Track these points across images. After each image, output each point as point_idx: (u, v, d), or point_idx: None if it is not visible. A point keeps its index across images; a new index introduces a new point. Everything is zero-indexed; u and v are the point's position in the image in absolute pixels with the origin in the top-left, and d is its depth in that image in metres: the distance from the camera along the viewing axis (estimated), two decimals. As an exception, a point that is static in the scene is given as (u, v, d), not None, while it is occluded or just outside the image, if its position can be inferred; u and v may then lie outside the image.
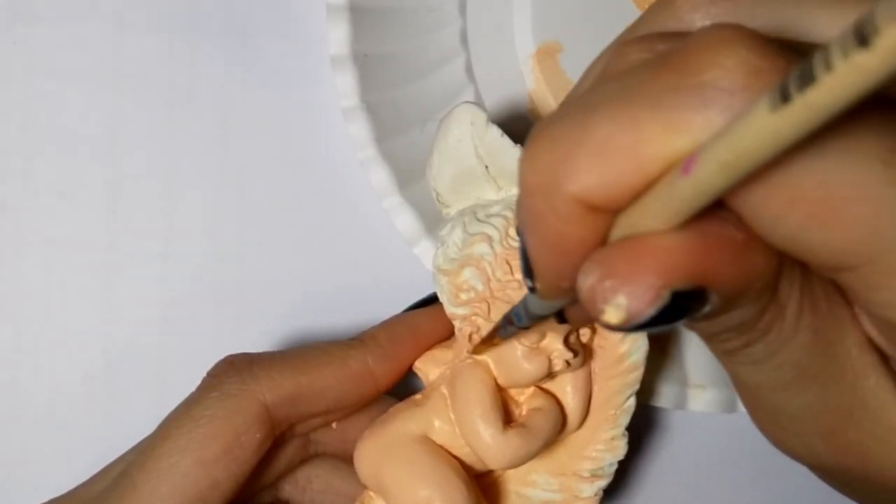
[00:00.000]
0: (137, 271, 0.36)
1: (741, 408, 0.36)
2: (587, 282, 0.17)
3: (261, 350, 0.30)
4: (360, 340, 0.30)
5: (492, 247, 0.27)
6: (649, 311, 0.16)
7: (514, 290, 0.27)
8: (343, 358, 0.29)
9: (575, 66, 0.36)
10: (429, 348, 0.30)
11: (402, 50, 0.34)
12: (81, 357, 0.36)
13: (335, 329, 0.37)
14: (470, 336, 0.28)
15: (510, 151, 0.27)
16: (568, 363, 0.27)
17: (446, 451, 0.29)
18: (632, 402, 0.29)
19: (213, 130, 0.36)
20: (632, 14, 0.36)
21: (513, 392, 0.29)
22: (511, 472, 0.30)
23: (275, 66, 0.36)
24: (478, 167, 0.28)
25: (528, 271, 0.19)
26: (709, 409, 0.36)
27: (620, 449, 0.29)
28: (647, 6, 0.37)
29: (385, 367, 0.30)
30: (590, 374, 0.29)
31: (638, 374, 0.28)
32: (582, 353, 0.28)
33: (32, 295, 0.36)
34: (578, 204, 0.16)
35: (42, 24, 0.35)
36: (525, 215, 0.18)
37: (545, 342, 0.27)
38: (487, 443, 0.27)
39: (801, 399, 0.19)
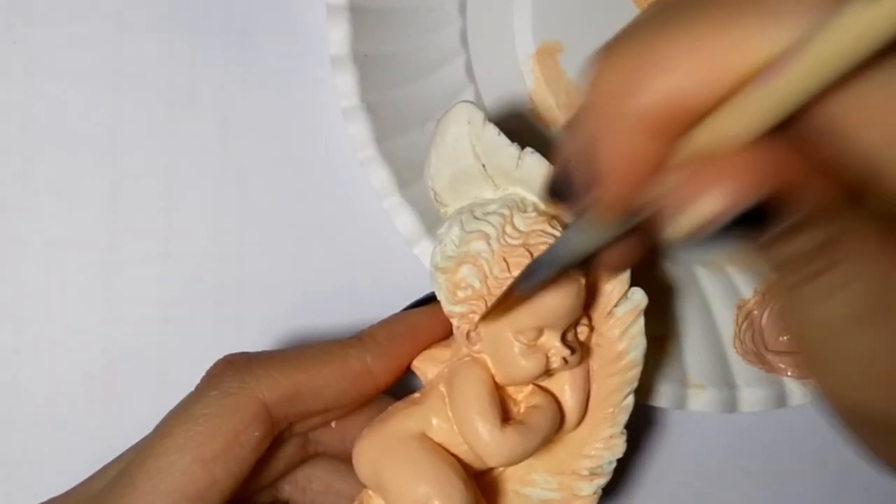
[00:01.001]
0: (137, 271, 0.36)
1: (741, 408, 0.36)
2: (671, 182, 0.17)
3: (260, 350, 0.30)
4: (358, 339, 0.30)
5: (489, 244, 0.27)
6: (733, 211, 0.16)
7: (507, 284, 0.27)
8: (342, 357, 0.29)
9: (575, 66, 0.36)
10: (427, 347, 0.30)
11: (402, 50, 0.34)
12: (81, 357, 0.36)
13: (335, 329, 0.37)
14: (468, 334, 0.28)
15: (507, 150, 0.27)
16: (566, 360, 0.27)
17: (445, 449, 0.29)
18: (630, 400, 0.29)
19: (213, 130, 0.36)
20: (632, 14, 0.36)
21: (511, 390, 0.29)
22: (510, 471, 0.30)
23: (275, 66, 0.36)
24: (475, 166, 0.28)
25: (577, 191, 0.19)
26: (709, 408, 0.36)
27: (619, 447, 0.29)
28: (646, 6, 0.37)
29: (384, 365, 0.29)
30: (588, 372, 0.29)
31: (636, 371, 0.29)
32: (580, 351, 0.28)
33: (32, 295, 0.36)
34: (657, 109, 0.16)
35: (42, 24, 0.35)
36: (594, 124, 0.18)
37: (542, 339, 0.27)
38: (485, 440, 0.27)
39: (864, 341, 0.19)
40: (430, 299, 0.31)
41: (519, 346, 0.27)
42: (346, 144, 0.35)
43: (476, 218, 0.28)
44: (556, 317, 0.27)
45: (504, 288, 0.27)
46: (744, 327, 0.37)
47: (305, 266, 0.36)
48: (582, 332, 0.29)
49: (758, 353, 0.37)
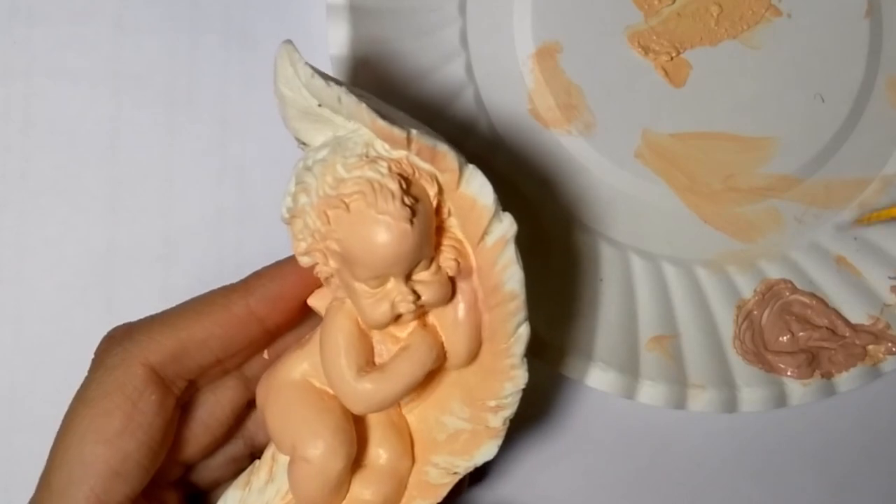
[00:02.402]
0: (137, 271, 0.36)
1: (741, 408, 0.36)
2: None
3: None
4: (243, 283, 0.29)
5: (310, 197, 0.26)
6: None
7: (330, 237, 0.26)
8: (224, 304, 0.29)
9: (574, 66, 0.36)
10: (319, 284, 0.29)
11: (402, 50, 0.34)
12: (82, 357, 0.36)
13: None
14: (327, 279, 0.28)
15: (326, 91, 0.26)
16: (416, 304, 0.27)
17: (326, 392, 0.28)
18: (522, 330, 0.28)
19: (213, 130, 0.36)
20: (632, 14, 0.36)
21: (392, 328, 0.28)
22: (434, 397, 0.30)
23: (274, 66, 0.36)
24: (311, 105, 0.27)
25: None
26: (709, 409, 0.36)
27: (520, 378, 0.28)
28: (646, 6, 0.37)
29: (269, 307, 0.29)
30: (475, 302, 0.28)
31: (518, 302, 0.27)
32: (444, 289, 0.27)
33: (32, 295, 0.36)
34: None
35: (42, 24, 0.35)
36: None
37: (388, 286, 0.27)
38: (341, 389, 0.27)
39: None
40: None
41: (367, 294, 0.27)
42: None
43: (305, 168, 0.27)
44: (387, 264, 0.26)
45: (325, 242, 0.26)
46: (744, 327, 0.37)
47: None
48: (450, 266, 0.27)
49: (758, 353, 0.37)
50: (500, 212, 0.27)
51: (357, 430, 0.29)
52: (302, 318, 0.30)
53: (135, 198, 0.36)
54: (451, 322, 0.28)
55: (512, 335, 0.28)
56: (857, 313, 0.37)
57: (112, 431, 0.27)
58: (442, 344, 0.28)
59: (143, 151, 0.36)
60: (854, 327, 0.37)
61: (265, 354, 0.31)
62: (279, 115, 0.28)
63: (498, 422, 0.28)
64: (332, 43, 0.33)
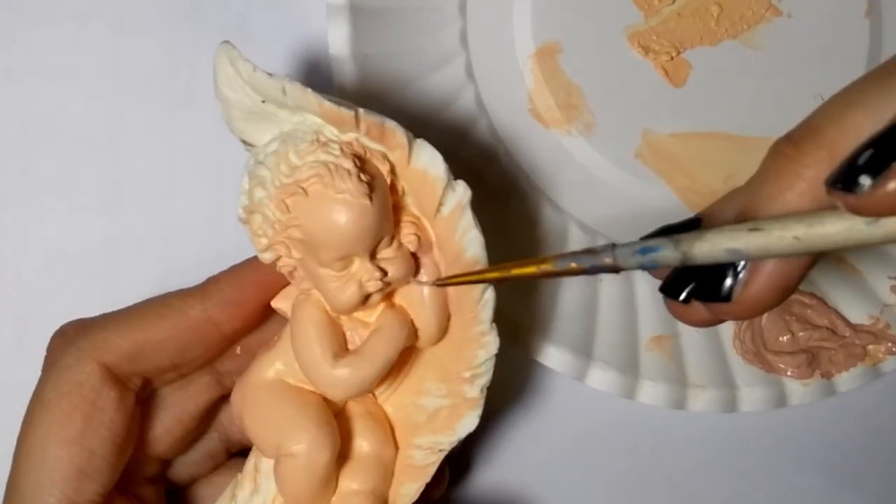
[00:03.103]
0: (137, 270, 0.36)
1: (741, 408, 0.36)
2: None
3: None
4: (200, 288, 0.29)
5: (266, 188, 0.26)
6: None
7: (292, 225, 0.26)
8: (181, 308, 0.29)
9: (574, 66, 0.36)
10: (279, 289, 0.29)
11: (402, 50, 0.34)
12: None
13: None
14: (291, 274, 0.27)
15: (269, 83, 0.26)
16: (383, 281, 0.27)
17: (303, 388, 0.28)
18: (489, 295, 0.27)
19: (213, 130, 0.36)
20: (632, 14, 0.36)
21: (361, 315, 0.28)
22: (406, 384, 0.30)
23: (275, 66, 0.36)
24: (254, 105, 0.27)
25: (869, 168, 0.19)
26: (709, 409, 0.36)
27: (492, 344, 0.28)
28: (646, 6, 0.37)
29: (227, 312, 0.29)
30: (437, 275, 0.28)
31: (480, 267, 0.27)
32: (408, 263, 0.27)
33: (32, 295, 0.36)
34: None
35: (42, 24, 0.35)
36: None
37: (353, 268, 0.27)
38: (320, 375, 0.27)
39: None
40: None
41: (332, 279, 0.27)
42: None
43: (257, 163, 0.27)
44: (351, 242, 0.26)
45: (287, 231, 0.26)
46: (743, 327, 0.37)
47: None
48: (410, 240, 0.27)
49: (758, 353, 0.37)
50: (453, 181, 0.27)
51: (337, 424, 0.29)
52: (260, 322, 0.30)
53: (135, 197, 0.36)
54: (418, 298, 0.28)
55: (478, 301, 0.28)
56: (857, 313, 0.37)
57: (74, 432, 0.27)
58: (412, 321, 0.28)
59: (143, 151, 0.36)
60: (854, 327, 0.37)
61: (237, 350, 0.31)
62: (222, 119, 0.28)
63: (475, 391, 0.28)
64: (333, 43, 0.33)
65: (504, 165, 0.36)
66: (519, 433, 0.39)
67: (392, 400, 0.30)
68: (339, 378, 0.27)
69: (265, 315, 0.30)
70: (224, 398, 0.31)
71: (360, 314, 0.28)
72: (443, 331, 0.28)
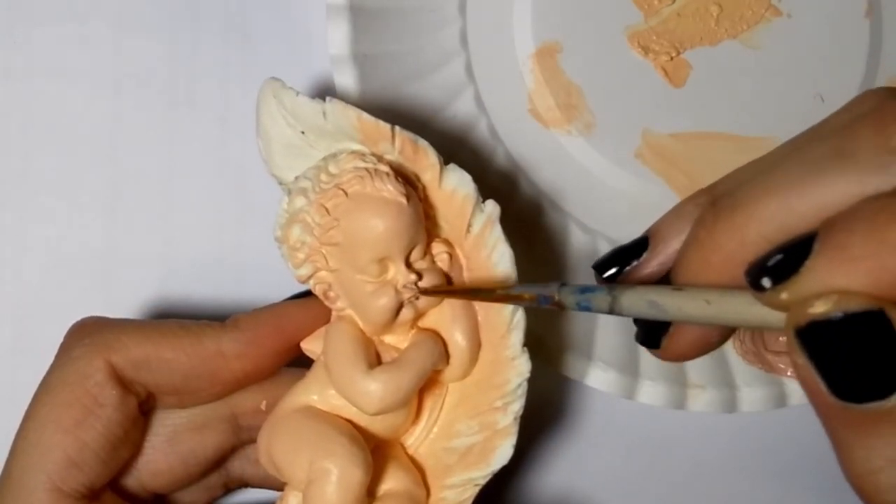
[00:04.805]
0: (137, 271, 0.36)
1: (741, 408, 0.36)
2: None
3: None
4: (221, 322, 0.29)
5: (307, 196, 0.27)
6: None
7: (332, 228, 0.27)
8: (197, 335, 0.29)
9: (574, 66, 0.36)
10: (297, 338, 0.30)
11: (402, 50, 0.34)
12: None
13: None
14: (325, 293, 0.28)
15: (310, 106, 0.27)
16: (417, 286, 0.27)
17: (335, 415, 0.28)
18: (520, 317, 0.28)
19: (213, 130, 0.36)
20: (632, 14, 0.36)
21: (392, 341, 0.29)
22: (437, 431, 0.29)
23: (275, 66, 0.36)
24: (295, 136, 0.28)
25: (773, 273, 0.21)
26: (709, 409, 0.36)
27: (523, 366, 0.28)
28: (646, 6, 0.37)
29: (239, 350, 0.29)
30: (471, 302, 0.28)
31: (512, 283, 0.27)
32: (440, 278, 0.28)
33: (32, 295, 0.36)
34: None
35: (42, 24, 0.35)
36: (851, 243, 0.20)
37: (389, 274, 0.27)
38: (355, 387, 0.27)
39: None
40: (308, 293, 0.30)
41: (368, 286, 0.27)
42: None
43: (298, 178, 0.28)
44: (388, 239, 0.27)
45: (327, 234, 0.27)
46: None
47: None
48: (442, 259, 0.28)
49: (758, 353, 0.36)
50: (481, 201, 0.28)
51: None
52: (272, 368, 0.30)
53: (135, 198, 0.36)
54: (450, 320, 0.28)
55: (509, 324, 0.28)
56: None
57: (70, 421, 0.27)
58: (444, 343, 0.28)
59: (143, 151, 0.36)
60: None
61: (262, 406, 0.31)
62: (261, 161, 0.29)
63: (508, 419, 0.28)
64: (332, 43, 0.33)
65: (504, 165, 0.36)
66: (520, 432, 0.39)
67: (422, 450, 0.30)
68: (373, 388, 0.27)
69: (278, 362, 0.30)
70: (235, 449, 0.31)
71: (391, 339, 0.29)
72: (473, 357, 0.29)
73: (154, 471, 0.30)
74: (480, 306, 0.28)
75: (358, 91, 0.33)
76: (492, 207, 0.28)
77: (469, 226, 0.28)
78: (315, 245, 0.27)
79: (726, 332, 0.26)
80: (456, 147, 0.35)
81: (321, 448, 0.27)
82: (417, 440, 0.30)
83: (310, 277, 0.28)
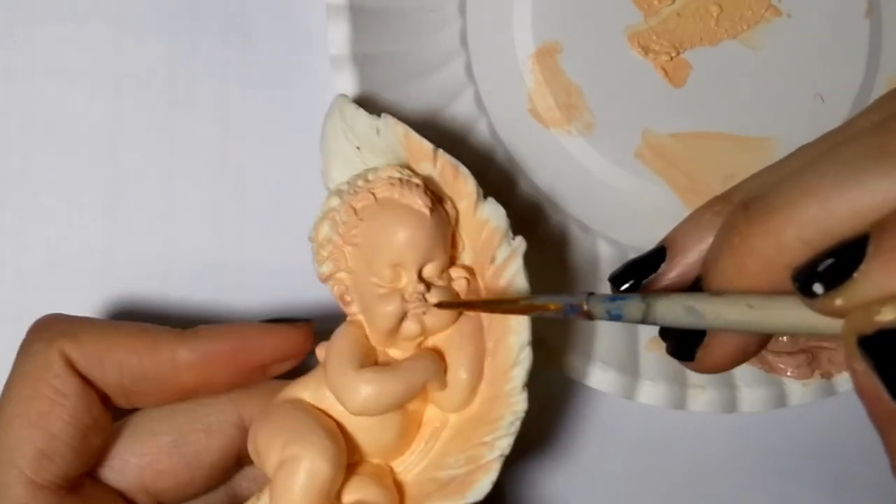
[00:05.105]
0: (137, 271, 0.36)
1: (741, 408, 0.36)
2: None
3: None
4: (181, 330, 0.29)
5: (341, 197, 0.28)
6: None
7: (356, 227, 0.28)
8: (154, 339, 0.29)
9: (574, 66, 0.36)
10: (254, 360, 0.30)
11: (402, 50, 0.34)
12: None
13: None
14: (342, 296, 0.28)
15: (365, 120, 0.28)
16: (425, 297, 0.27)
17: (321, 412, 0.28)
18: (526, 354, 0.28)
19: (213, 130, 0.36)
20: (631, 14, 0.36)
21: (396, 354, 0.29)
22: (428, 461, 0.29)
23: (275, 66, 0.36)
24: (351, 151, 0.29)
25: (825, 278, 0.20)
26: (709, 409, 0.36)
27: (519, 405, 0.28)
28: (646, 6, 0.37)
29: (192, 361, 0.29)
30: (480, 329, 0.29)
31: (522, 318, 0.28)
32: (446, 292, 0.28)
33: (32, 295, 0.36)
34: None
35: (42, 24, 0.35)
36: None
37: (401, 282, 0.28)
38: (342, 381, 0.27)
39: None
40: (282, 320, 0.30)
41: (378, 289, 0.28)
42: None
43: (341, 183, 0.29)
44: (400, 247, 0.27)
45: (350, 233, 0.28)
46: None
47: (305, 268, 0.36)
48: (461, 283, 0.28)
49: (758, 354, 0.37)
50: (511, 235, 0.28)
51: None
52: (222, 388, 0.30)
53: (135, 198, 0.36)
54: (456, 346, 0.29)
55: (515, 356, 0.28)
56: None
57: (35, 414, 0.27)
58: (445, 366, 0.29)
59: (143, 151, 0.36)
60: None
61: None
62: (320, 172, 0.30)
63: (493, 455, 0.28)
64: (332, 43, 0.33)
65: (504, 165, 0.36)
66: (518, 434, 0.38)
67: (409, 477, 0.30)
68: (360, 384, 0.27)
69: (232, 381, 0.30)
70: (241, 459, 0.31)
71: (395, 353, 0.29)
72: (472, 389, 0.29)
73: (158, 471, 0.30)
74: (490, 337, 0.28)
75: (358, 91, 0.33)
76: (519, 243, 0.28)
77: (493, 258, 0.28)
78: (339, 243, 0.28)
79: (763, 340, 0.25)
80: (456, 147, 0.35)
81: (296, 435, 0.27)
82: (408, 468, 0.30)
83: (330, 277, 0.28)
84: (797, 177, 0.22)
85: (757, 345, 0.25)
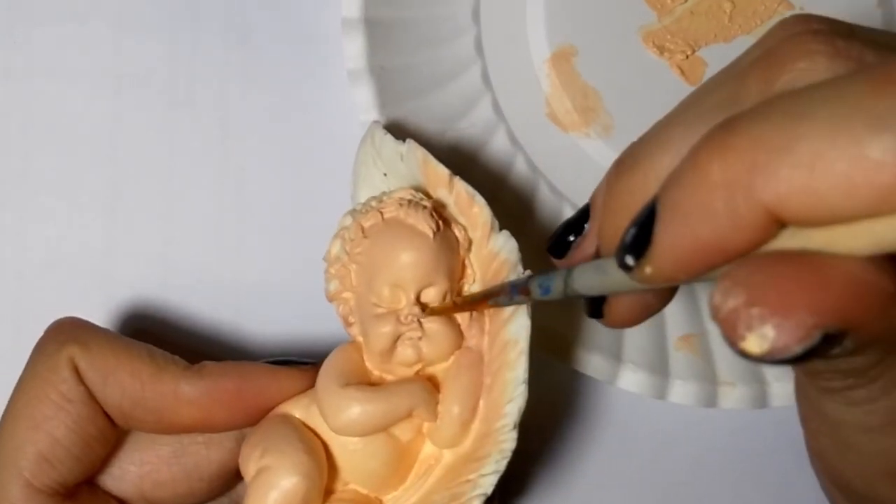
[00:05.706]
0: (137, 271, 0.36)
1: (772, 403, 0.36)
2: (729, 303, 0.16)
3: (267, 348, 0.31)
4: (187, 364, 0.29)
5: (353, 216, 0.29)
6: (796, 350, 0.15)
7: (360, 245, 0.28)
8: (160, 368, 0.28)
9: (590, 69, 0.36)
10: (257, 401, 0.29)
11: (418, 61, 0.34)
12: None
13: (336, 330, 0.36)
14: (346, 317, 0.29)
15: (391, 145, 0.29)
16: (420, 322, 0.27)
17: (308, 429, 0.28)
18: (521, 390, 0.27)
19: (213, 131, 0.36)
20: (645, 14, 0.36)
21: (390, 379, 0.29)
22: (418, 496, 0.29)
23: (275, 66, 0.36)
24: (378, 177, 0.30)
25: (633, 248, 0.18)
26: (740, 405, 0.36)
27: (507, 444, 0.27)
28: (659, 6, 0.36)
29: (193, 397, 0.28)
30: (479, 362, 0.28)
31: (518, 350, 0.27)
32: (451, 332, 0.28)
33: (32, 295, 0.36)
34: (764, 211, 0.16)
35: (42, 24, 0.35)
36: (682, 196, 0.17)
37: (399, 304, 0.28)
38: (327, 395, 0.27)
39: (880, 443, 0.19)
40: (289, 362, 0.30)
41: (376, 309, 0.28)
42: (354, 148, 0.34)
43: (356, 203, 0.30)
44: (399, 268, 0.27)
45: (355, 252, 0.28)
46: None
47: (306, 268, 0.36)
48: (462, 316, 0.28)
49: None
50: (521, 268, 0.28)
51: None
52: (224, 426, 0.29)
53: (135, 198, 0.36)
54: (452, 378, 0.28)
55: (511, 393, 0.27)
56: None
57: (41, 416, 0.27)
58: (437, 396, 0.28)
59: (143, 151, 0.36)
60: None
61: None
62: (350, 198, 0.31)
63: (474, 493, 0.27)
64: (349, 57, 0.33)
65: (524, 171, 0.36)
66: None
67: None
68: (342, 402, 0.27)
69: (232, 421, 0.29)
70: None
71: (391, 378, 0.29)
72: (463, 425, 0.28)
73: (157, 480, 0.30)
74: (488, 372, 0.28)
75: (376, 104, 0.33)
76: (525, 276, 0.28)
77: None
78: (345, 260, 0.28)
79: (664, 295, 0.24)
80: (476, 155, 0.35)
81: (274, 445, 0.27)
82: (396, 503, 0.29)
83: (336, 296, 0.29)
84: (662, 127, 0.21)
85: (657, 299, 0.24)
